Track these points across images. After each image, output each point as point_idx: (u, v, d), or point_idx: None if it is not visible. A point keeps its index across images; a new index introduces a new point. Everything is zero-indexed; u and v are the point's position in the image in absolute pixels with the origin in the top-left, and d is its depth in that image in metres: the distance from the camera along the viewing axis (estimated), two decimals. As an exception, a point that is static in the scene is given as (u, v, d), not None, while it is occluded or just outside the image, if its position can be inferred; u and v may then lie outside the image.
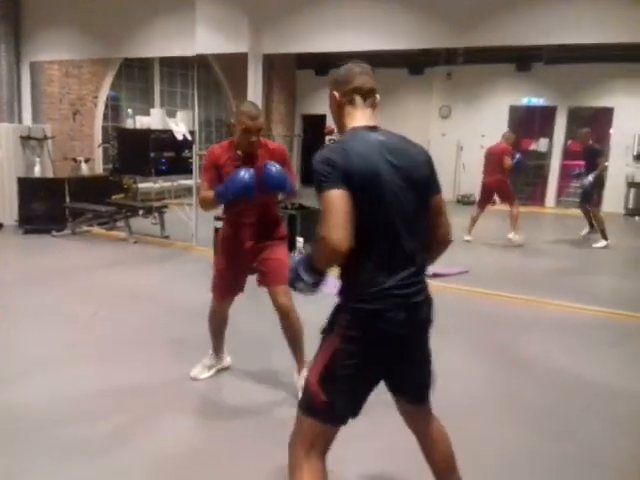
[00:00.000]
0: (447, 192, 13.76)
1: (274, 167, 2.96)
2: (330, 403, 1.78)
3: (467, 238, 8.16)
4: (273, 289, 3.13)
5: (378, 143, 1.80)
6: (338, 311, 1.84)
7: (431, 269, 1.95)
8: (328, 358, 1.80)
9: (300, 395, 1.98)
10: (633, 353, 4.29)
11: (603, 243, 8.28)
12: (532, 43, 6.18)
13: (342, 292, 1.85)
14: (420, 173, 1.84)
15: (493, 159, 8.19)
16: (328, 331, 1.85)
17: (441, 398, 2.07)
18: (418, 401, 2.01)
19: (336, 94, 1.91)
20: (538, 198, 13.35)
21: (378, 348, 1.78)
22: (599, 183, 8.51)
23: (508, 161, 8.04)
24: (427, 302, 1.87)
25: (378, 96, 1.92)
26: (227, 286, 3.28)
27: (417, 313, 1.83)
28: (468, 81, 13.38)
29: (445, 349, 2.95)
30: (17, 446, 2.70)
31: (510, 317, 5.00)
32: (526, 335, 4.58)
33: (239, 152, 3.09)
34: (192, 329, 4.13)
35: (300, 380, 3.05)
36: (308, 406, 1.83)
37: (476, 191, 13.19)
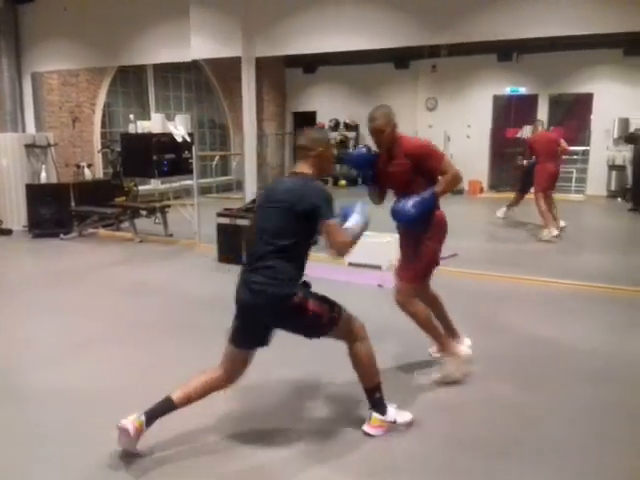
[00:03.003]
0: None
1: (400, 205, 3.26)
2: (231, 333, 2.84)
3: (555, 233, 7.87)
4: None
5: (280, 181, 3.01)
6: None
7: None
8: None
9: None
10: (597, 318, 4.78)
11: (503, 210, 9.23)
12: (509, 37, 6.53)
13: None
14: (282, 199, 2.73)
15: (552, 146, 8.11)
16: None
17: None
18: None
19: None
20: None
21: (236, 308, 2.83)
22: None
23: (566, 146, 8.26)
24: (260, 292, 2.67)
25: (312, 152, 2.84)
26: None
27: (250, 294, 2.70)
28: (452, 73, 13.76)
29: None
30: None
31: (492, 292, 5.49)
32: (505, 306, 5.06)
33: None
34: (202, 316, 4.61)
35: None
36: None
37: (466, 180, 13.67)
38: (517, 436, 2.93)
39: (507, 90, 13.55)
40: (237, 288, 2.79)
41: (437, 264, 3.48)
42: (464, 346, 3.73)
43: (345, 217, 2.83)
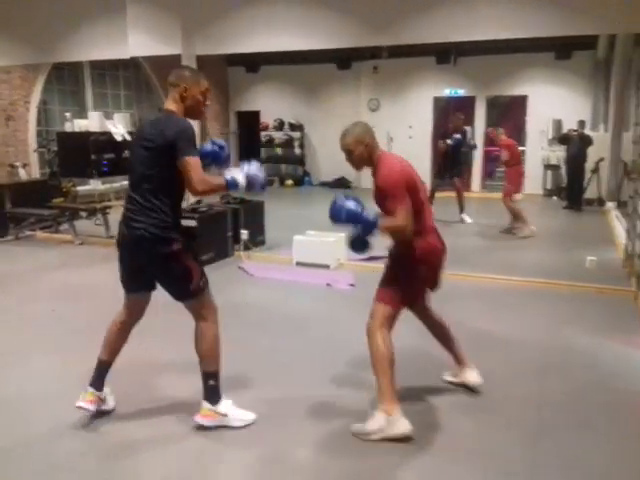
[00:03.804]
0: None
1: (338, 204, 2.89)
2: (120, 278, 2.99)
3: (533, 227, 8.41)
4: None
5: (147, 120, 3.00)
6: None
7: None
8: None
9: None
10: (531, 312, 4.97)
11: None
12: (447, 40, 6.71)
13: None
14: (146, 137, 2.73)
15: (518, 150, 9.10)
16: None
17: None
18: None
19: None
20: (464, 183, 14.07)
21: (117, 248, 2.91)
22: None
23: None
24: (138, 233, 2.71)
25: (176, 88, 2.81)
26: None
27: (129, 233, 2.77)
28: (394, 74, 13.95)
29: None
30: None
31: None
32: (447, 303, 5.13)
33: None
34: (146, 317, 4.45)
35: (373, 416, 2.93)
36: None
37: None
38: (464, 427, 3.01)
39: (446, 92, 13.86)
40: (119, 227, 2.85)
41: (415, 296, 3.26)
42: (473, 374, 3.45)
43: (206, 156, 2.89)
